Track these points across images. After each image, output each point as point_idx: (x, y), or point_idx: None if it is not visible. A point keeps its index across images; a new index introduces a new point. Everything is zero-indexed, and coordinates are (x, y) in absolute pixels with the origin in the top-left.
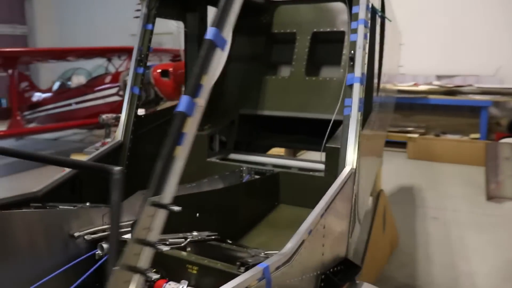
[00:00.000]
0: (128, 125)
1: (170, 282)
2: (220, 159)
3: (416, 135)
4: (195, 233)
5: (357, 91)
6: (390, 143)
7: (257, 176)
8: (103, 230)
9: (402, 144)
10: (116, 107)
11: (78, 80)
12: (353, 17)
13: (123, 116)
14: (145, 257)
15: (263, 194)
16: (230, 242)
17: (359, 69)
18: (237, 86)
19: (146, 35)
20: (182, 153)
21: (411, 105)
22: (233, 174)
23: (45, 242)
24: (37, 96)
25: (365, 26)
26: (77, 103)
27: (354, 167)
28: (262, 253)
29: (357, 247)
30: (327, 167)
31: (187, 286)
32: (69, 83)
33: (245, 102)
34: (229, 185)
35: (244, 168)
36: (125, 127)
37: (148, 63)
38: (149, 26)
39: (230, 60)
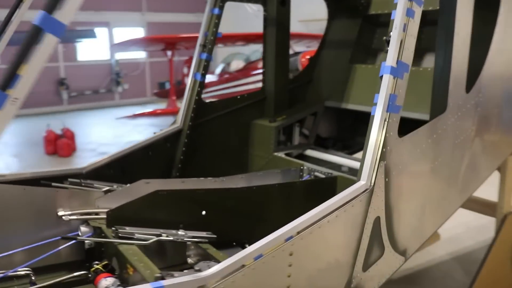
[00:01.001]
0: (189, 112)
1: (108, 278)
2: (289, 154)
3: None
4: (181, 232)
5: (386, 85)
6: None
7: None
8: (89, 213)
9: None
10: None
11: (237, 64)
12: None
13: (184, 102)
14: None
15: (308, 198)
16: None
17: (393, 56)
18: (328, 74)
19: (212, 19)
20: None
21: None
22: (290, 172)
23: (35, 219)
24: None
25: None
26: (235, 86)
27: (371, 183)
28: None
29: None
30: None
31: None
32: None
33: (333, 93)
34: (261, 185)
35: (305, 167)
36: (185, 114)
37: (297, 50)
38: (216, 11)
39: (323, 46)
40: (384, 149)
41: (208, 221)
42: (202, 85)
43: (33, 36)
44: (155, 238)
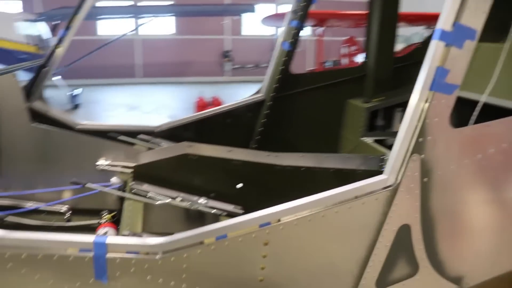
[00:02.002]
0: (272, 82)
1: (107, 228)
2: (382, 142)
3: None
4: (202, 201)
5: (433, 55)
6: None
7: None
8: (126, 167)
9: None
10: None
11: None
12: None
13: (268, 72)
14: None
15: None
16: None
17: (446, 16)
18: None
19: None
20: None
21: None
22: (367, 160)
23: (81, 164)
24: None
25: None
26: None
27: (396, 180)
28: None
29: None
30: None
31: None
32: None
33: None
34: (311, 166)
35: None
36: (268, 84)
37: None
38: None
39: None
40: (420, 139)
41: (243, 195)
42: (291, 55)
43: None
44: (165, 201)
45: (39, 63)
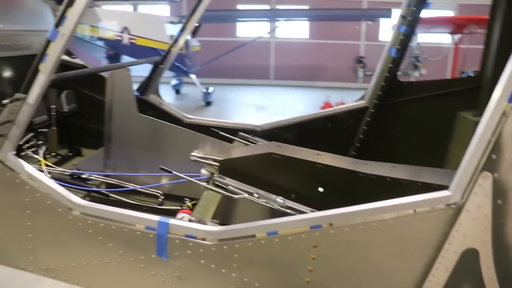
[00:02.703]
0: (377, 90)
1: (183, 214)
2: None
3: None
4: (279, 200)
5: None
6: None
7: None
8: (215, 160)
9: None
10: None
11: None
12: None
13: (374, 79)
14: None
15: None
16: None
17: None
18: None
19: None
20: (45, 69)
21: None
22: None
23: (177, 153)
24: None
25: None
26: None
27: (462, 197)
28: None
29: None
30: None
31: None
32: None
33: None
34: (398, 178)
35: None
36: (373, 91)
37: None
38: None
39: None
40: (494, 156)
41: (323, 199)
42: (398, 62)
43: None
44: (242, 195)
45: (156, 61)
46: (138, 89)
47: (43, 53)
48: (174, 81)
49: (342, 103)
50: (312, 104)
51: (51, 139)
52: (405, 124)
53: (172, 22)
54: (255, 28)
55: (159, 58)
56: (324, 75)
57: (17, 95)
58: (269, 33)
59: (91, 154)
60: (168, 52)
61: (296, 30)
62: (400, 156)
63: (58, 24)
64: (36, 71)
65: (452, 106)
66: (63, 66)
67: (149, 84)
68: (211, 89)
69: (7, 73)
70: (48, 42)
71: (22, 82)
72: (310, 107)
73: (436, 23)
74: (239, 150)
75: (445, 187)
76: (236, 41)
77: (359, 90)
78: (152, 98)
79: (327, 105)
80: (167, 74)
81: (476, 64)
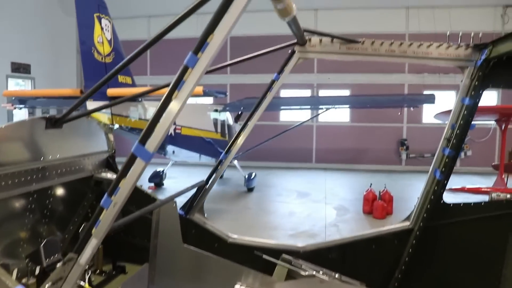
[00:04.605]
0: (422, 211)
1: None
2: None
3: None
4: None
5: None
6: None
7: None
8: None
9: None
10: None
11: None
12: None
13: (418, 199)
14: None
15: None
16: None
17: None
18: None
19: (462, 110)
20: (97, 234)
21: None
22: None
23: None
24: None
25: None
26: None
27: None
28: None
29: None
30: None
31: None
32: None
33: None
34: None
35: None
36: (417, 212)
37: None
38: (466, 101)
39: None
40: None
41: None
42: (443, 185)
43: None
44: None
45: (201, 184)
46: (182, 208)
47: (96, 219)
48: None
49: (386, 192)
50: (355, 190)
51: (97, 257)
52: (455, 248)
53: (216, 110)
54: (298, 112)
55: (203, 182)
56: (366, 158)
57: (71, 255)
58: (311, 119)
59: (135, 270)
60: (213, 172)
61: (337, 113)
62: (452, 282)
63: (112, 193)
64: (88, 235)
65: (504, 228)
66: None
67: (193, 204)
68: (252, 175)
69: (64, 197)
70: (101, 210)
71: (77, 205)
72: (353, 194)
73: (481, 113)
74: (279, 286)
75: None
76: (279, 126)
77: (402, 173)
78: (196, 217)
79: (370, 193)
80: (211, 160)
81: None
